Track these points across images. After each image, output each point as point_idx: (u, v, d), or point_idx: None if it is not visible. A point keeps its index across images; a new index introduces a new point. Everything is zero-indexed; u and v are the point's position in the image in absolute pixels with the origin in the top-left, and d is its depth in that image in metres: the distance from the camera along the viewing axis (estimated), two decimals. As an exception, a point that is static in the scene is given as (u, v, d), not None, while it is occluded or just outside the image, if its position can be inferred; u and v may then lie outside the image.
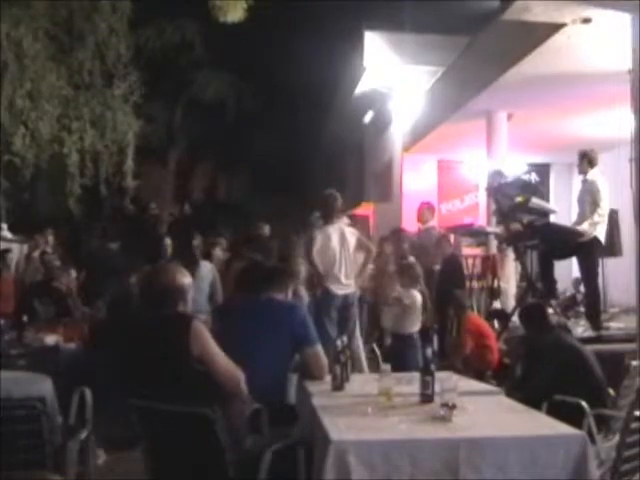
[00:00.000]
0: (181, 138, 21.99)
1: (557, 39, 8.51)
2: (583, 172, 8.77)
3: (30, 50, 12.74)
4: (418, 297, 7.96)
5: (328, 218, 8.13)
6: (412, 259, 9.58)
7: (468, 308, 9.19)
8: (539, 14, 8.25)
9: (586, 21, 8.02)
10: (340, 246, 7.97)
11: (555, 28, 8.33)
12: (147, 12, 15.20)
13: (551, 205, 10.19)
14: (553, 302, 8.91)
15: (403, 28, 15.26)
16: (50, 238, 12.22)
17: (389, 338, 8.16)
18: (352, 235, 8.12)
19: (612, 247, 9.51)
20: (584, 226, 8.48)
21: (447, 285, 9.44)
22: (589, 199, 8.57)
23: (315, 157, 23.38)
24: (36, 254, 11.74)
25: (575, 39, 8.45)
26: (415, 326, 8.24)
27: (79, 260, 11.63)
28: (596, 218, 8.48)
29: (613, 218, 9.89)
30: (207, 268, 9.01)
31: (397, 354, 7.39)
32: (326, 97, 19.98)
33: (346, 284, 7.98)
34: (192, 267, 7.91)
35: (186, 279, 4.21)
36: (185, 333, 3.91)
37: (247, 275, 5.42)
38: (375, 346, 7.73)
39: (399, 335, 7.77)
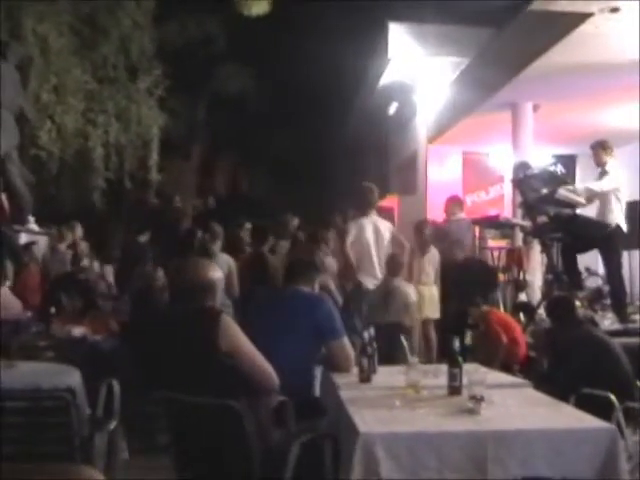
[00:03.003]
0: (204, 132, 22.04)
1: (584, 29, 8.42)
2: (602, 163, 8.68)
3: (55, 45, 12.83)
4: None
5: (363, 211, 8.02)
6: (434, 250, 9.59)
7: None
8: (566, 4, 8.19)
9: (614, 10, 7.94)
10: (374, 240, 7.87)
11: (582, 18, 8.25)
12: (169, 6, 15.23)
13: (577, 197, 10.10)
14: (580, 295, 8.86)
15: (427, 19, 15.18)
16: (78, 231, 12.29)
17: None
18: (387, 230, 8.03)
19: (635, 239, 9.42)
20: (609, 217, 8.45)
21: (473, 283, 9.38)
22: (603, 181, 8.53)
23: (339, 150, 23.34)
24: (62, 246, 11.81)
25: (603, 29, 8.36)
26: None
27: (106, 253, 11.71)
28: (594, 187, 8.50)
29: (636, 209, 9.81)
30: (222, 260, 8.95)
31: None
32: (350, 89, 19.93)
33: (379, 278, 7.88)
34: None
35: (216, 274, 4.22)
36: (214, 327, 3.92)
37: (273, 267, 5.43)
38: (403, 338, 7.68)
39: None
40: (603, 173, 8.69)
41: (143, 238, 11.00)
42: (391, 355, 6.25)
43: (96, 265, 11.22)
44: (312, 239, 9.14)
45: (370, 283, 7.81)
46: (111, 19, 13.67)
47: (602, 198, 8.62)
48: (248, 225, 10.60)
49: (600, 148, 8.68)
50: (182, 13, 17.74)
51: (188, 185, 21.35)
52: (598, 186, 8.57)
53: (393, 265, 8.35)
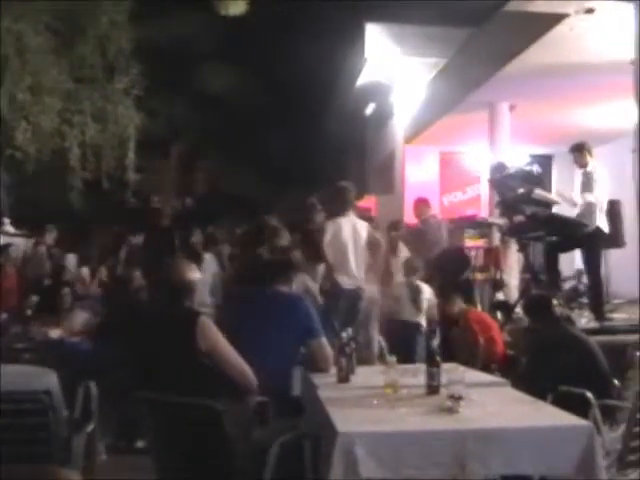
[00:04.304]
0: (184, 132, 21.99)
1: (560, 30, 8.49)
2: (584, 164, 8.73)
3: (31, 44, 12.72)
4: None
5: (341, 210, 8.01)
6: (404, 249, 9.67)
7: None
8: (542, 4, 8.26)
9: (589, 11, 8.01)
10: (351, 239, 7.87)
11: (558, 19, 8.32)
12: (150, 5, 15.16)
13: (554, 196, 10.17)
14: (558, 294, 8.92)
15: (404, 20, 15.23)
16: (54, 233, 12.25)
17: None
18: (364, 229, 8.04)
19: (615, 238, 9.49)
20: (591, 217, 8.51)
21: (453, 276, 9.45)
22: (593, 190, 8.58)
23: (317, 150, 23.36)
24: (39, 248, 11.76)
25: (578, 30, 8.44)
26: None
27: (84, 254, 11.68)
28: (588, 198, 8.56)
29: (616, 209, 9.87)
30: (209, 261, 8.97)
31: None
32: (327, 90, 19.96)
33: (356, 278, 7.88)
34: (195, 262, 7.87)
35: (194, 275, 4.24)
36: (192, 328, 3.94)
37: (252, 268, 5.43)
38: (381, 338, 7.70)
39: None
40: (586, 174, 8.75)
41: (136, 239, 10.99)
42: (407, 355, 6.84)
43: (72, 264, 11.18)
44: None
45: (346, 283, 7.82)
46: (88, 18, 13.58)
47: (584, 199, 8.70)
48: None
49: (581, 150, 8.73)
50: (163, 11, 17.68)
51: (169, 185, 21.30)
52: (594, 198, 8.61)
53: (410, 267, 8.84)
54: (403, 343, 7.96)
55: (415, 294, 8.65)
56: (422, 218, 11.01)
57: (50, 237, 12.14)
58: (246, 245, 9.13)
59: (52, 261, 11.40)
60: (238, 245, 9.82)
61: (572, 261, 11.31)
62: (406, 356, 7.97)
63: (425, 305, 8.67)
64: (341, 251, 7.84)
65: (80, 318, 7.53)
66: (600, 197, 8.61)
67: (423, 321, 8.61)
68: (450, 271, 9.51)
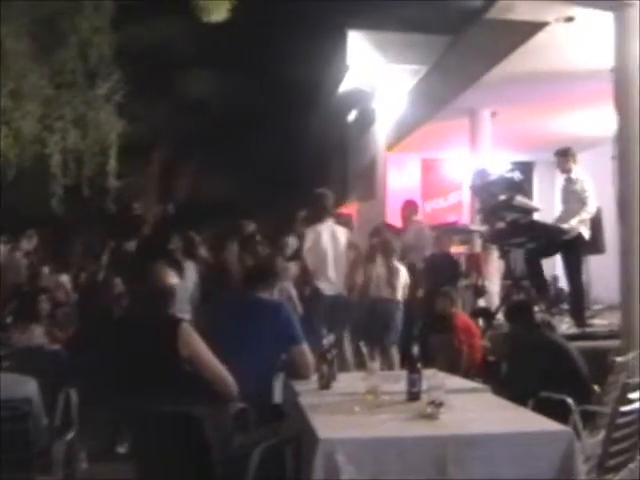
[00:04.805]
0: (167, 137, 21.92)
1: (540, 37, 8.54)
2: (567, 170, 8.81)
3: (12, 50, 12.65)
4: None
5: (320, 217, 8.07)
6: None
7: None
8: (522, 12, 8.28)
9: (569, 19, 8.06)
10: (331, 245, 7.92)
11: (538, 26, 8.37)
12: (132, 10, 15.12)
13: (535, 203, 10.23)
14: (546, 299, 8.98)
15: (386, 27, 15.28)
16: (33, 239, 12.17)
17: None
18: (343, 235, 8.08)
19: (596, 244, 9.55)
20: (572, 223, 8.54)
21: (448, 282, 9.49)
22: (577, 197, 8.63)
23: (299, 156, 23.40)
24: (18, 255, 11.69)
25: (558, 37, 8.49)
26: None
27: (64, 260, 11.60)
28: (584, 216, 8.58)
29: (596, 215, 9.94)
30: (190, 268, 8.93)
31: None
32: (309, 96, 20.00)
33: (336, 283, 7.93)
34: (175, 268, 7.83)
35: (174, 281, 4.23)
36: (173, 335, 3.93)
37: (232, 274, 5.43)
38: (362, 344, 7.70)
39: None
40: (569, 180, 8.81)
41: (131, 245, 10.93)
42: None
43: (46, 270, 11.12)
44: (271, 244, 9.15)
45: (327, 288, 7.85)
46: (69, 23, 13.52)
47: (566, 206, 8.76)
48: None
49: (565, 155, 8.80)
50: (144, 16, 17.63)
51: (151, 191, 21.22)
52: (588, 214, 8.68)
53: (388, 249, 9.07)
54: (381, 318, 8.57)
55: (392, 275, 8.83)
56: (409, 221, 11.02)
57: (30, 243, 12.06)
58: (217, 250, 9.14)
59: (29, 267, 11.32)
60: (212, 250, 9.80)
61: (552, 267, 11.36)
62: (384, 332, 8.52)
63: (401, 285, 8.94)
64: (320, 257, 7.89)
65: (37, 331, 7.47)
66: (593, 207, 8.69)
67: (399, 297, 8.92)
68: (443, 276, 9.52)
